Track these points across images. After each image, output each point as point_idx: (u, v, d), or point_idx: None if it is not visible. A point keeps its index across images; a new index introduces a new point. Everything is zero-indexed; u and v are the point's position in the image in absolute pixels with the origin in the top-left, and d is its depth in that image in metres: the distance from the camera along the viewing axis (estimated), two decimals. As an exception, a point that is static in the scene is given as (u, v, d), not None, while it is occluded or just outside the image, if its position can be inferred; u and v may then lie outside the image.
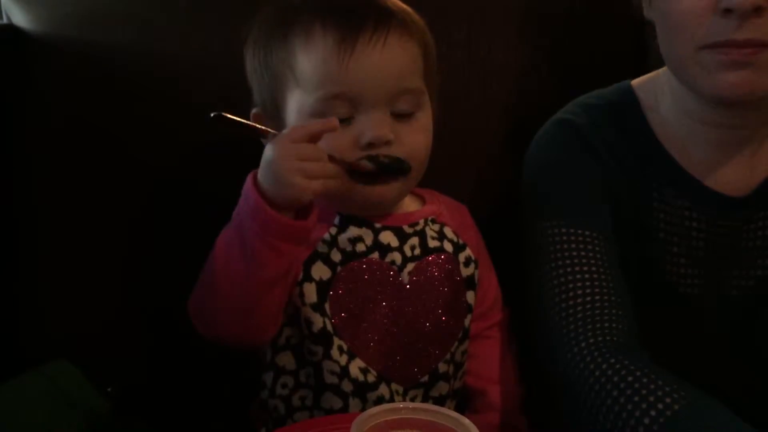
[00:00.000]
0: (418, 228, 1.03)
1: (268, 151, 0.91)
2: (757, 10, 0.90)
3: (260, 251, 0.89)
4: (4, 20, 1.21)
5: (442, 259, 1.03)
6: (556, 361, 0.98)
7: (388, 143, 0.96)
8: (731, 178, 1.05)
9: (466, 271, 1.05)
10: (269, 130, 0.94)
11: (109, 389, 1.08)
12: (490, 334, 1.11)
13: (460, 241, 1.06)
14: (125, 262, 1.20)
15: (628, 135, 1.07)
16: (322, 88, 0.95)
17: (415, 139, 0.98)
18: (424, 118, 1.00)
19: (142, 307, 1.20)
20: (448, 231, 1.06)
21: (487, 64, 1.23)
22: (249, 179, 0.92)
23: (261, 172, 0.91)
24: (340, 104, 0.95)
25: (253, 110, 1.04)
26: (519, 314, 1.11)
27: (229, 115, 0.91)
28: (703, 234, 1.06)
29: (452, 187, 1.15)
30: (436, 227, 1.05)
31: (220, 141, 1.19)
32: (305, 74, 0.96)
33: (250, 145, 1.05)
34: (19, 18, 1.19)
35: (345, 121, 0.95)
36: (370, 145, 0.95)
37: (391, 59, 0.95)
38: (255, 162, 1.08)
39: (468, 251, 1.06)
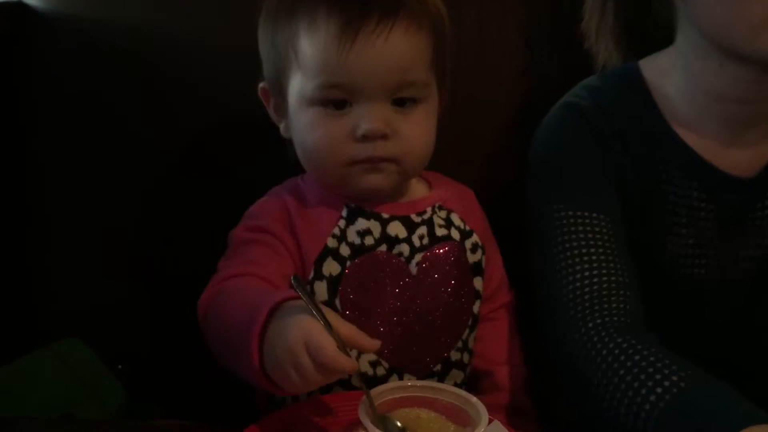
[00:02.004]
0: (426, 216, 1.02)
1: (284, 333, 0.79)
2: None
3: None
4: (15, -2, 1.21)
5: (449, 247, 1.02)
6: (563, 342, 0.98)
7: (384, 137, 0.94)
8: (740, 158, 1.05)
9: (473, 258, 1.05)
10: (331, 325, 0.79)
11: (119, 367, 1.08)
12: (497, 316, 1.10)
13: (467, 228, 1.05)
14: (136, 242, 1.21)
15: (635, 116, 1.06)
16: (322, 76, 0.93)
17: (414, 133, 0.97)
18: (427, 110, 0.98)
19: (153, 287, 1.20)
20: (455, 218, 1.05)
21: (497, 45, 1.23)
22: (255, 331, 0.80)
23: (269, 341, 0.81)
24: (339, 93, 0.94)
25: (261, 84, 1.03)
26: (525, 297, 1.11)
27: (300, 289, 0.83)
28: (711, 215, 1.05)
29: (460, 168, 1.15)
30: (443, 214, 1.04)
31: (229, 121, 1.19)
32: (306, 59, 0.94)
33: (258, 125, 1.06)
34: (29, -4, 1.19)
35: (343, 111, 0.94)
36: (365, 137, 0.94)
37: (393, 52, 0.93)
38: (260, 141, 1.09)
39: (475, 237, 1.06)
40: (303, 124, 0.97)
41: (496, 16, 1.22)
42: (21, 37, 1.17)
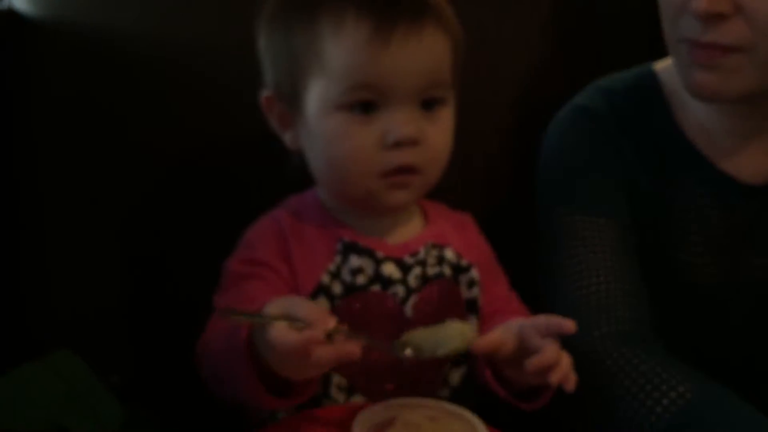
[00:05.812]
0: (419, 257, 0.98)
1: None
2: (720, 16, 0.89)
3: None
4: (6, 5, 1.20)
5: (441, 286, 0.98)
6: (568, 350, 0.97)
7: (415, 143, 0.91)
8: (751, 164, 1.04)
9: (468, 294, 1.01)
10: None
11: (113, 379, 1.08)
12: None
13: (463, 263, 1.01)
14: (131, 249, 1.19)
15: (648, 120, 1.06)
16: (351, 79, 0.90)
17: (439, 140, 0.94)
18: (449, 117, 0.96)
19: (148, 296, 1.19)
20: (448, 253, 1.00)
21: (498, 45, 1.22)
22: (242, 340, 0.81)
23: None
24: (368, 94, 0.91)
25: (264, 93, 0.99)
26: (528, 301, 1.09)
27: (232, 317, 0.84)
28: (721, 222, 1.05)
29: (459, 169, 1.14)
30: (436, 252, 1.00)
31: (226, 126, 1.18)
32: (333, 62, 0.91)
33: (261, 131, 1.04)
34: (21, 2, 1.18)
35: (370, 117, 0.91)
36: (397, 144, 0.91)
37: (425, 53, 0.91)
38: (264, 147, 1.07)
39: (473, 273, 1.01)
40: (327, 133, 0.93)
41: (498, 17, 1.22)
42: (12, 44, 1.16)
